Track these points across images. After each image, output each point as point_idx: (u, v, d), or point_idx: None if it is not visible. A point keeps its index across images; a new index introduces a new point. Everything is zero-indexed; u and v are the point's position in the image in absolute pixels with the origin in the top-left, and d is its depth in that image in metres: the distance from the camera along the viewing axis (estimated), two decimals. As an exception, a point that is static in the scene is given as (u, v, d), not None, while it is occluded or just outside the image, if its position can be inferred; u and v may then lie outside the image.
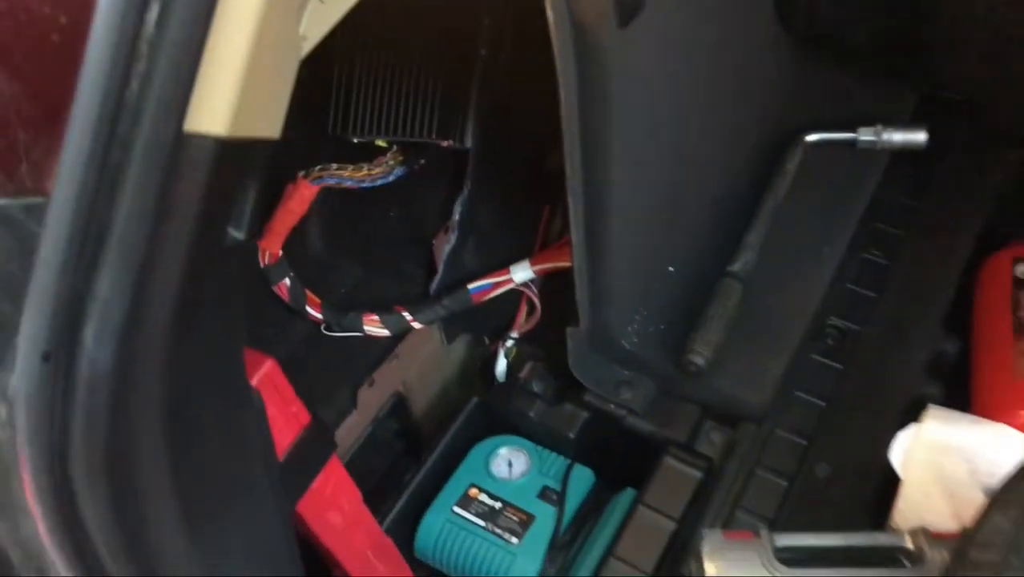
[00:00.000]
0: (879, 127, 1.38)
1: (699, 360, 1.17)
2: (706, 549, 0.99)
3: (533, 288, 1.33)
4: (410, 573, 1.22)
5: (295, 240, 1.23)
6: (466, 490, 1.27)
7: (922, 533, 0.97)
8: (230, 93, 0.55)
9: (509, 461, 1.30)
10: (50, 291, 0.54)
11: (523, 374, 1.33)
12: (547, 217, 1.38)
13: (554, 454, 1.31)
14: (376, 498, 1.20)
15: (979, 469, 1.06)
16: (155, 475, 0.60)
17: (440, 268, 1.31)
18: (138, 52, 0.52)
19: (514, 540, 1.22)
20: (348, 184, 1.22)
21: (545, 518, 1.23)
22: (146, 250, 0.55)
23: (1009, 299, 1.26)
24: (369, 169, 1.23)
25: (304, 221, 1.23)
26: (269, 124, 0.61)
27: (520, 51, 1.17)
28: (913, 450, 1.11)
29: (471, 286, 1.31)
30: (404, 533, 1.26)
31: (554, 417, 1.30)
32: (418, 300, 1.33)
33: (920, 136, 1.37)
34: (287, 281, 1.23)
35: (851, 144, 1.39)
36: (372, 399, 1.31)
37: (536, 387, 1.32)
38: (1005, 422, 1.10)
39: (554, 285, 1.33)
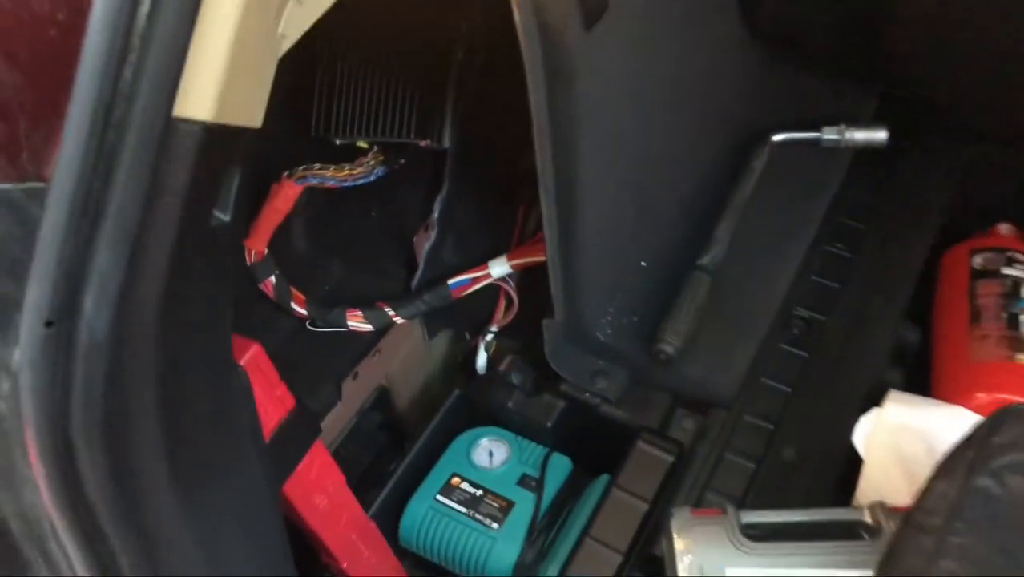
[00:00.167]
0: (842, 127, 1.42)
1: (669, 349, 1.20)
2: (675, 525, 1.02)
3: (511, 283, 1.36)
4: (394, 557, 1.26)
5: (280, 239, 1.25)
6: (448, 479, 1.29)
7: (880, 507, 1.00)
8: (214, 82, 0.59)
9: (490, 451, 1.32)
10: (52, 264, 0.58)
11: (502, 367, 1.36)
12: (523, 215, 1.41)
13: (533, 443, 1.33)
14: (361, 488, 1.22)
15: (936, 449, 1.06)
16: (148, 436, 0.64)
17: (420, 265, 1.33)
18: (131, 45, 0.57)
19: (495, 525, 1.24)
20: (331, 184, 1.24)
21: (524, 504, 1.26)
22: (139, 226, 0.59)
23: (967, 289, 1.29)
24: (351, 169, 1.24)
25: (289, 221, 1.25)
26: (250, 114, 0.66)
27: (494, 55, 1.19)
28: (875, 433, 1.14)
29: (451, 282, 1.33)
30: (389, 522, 1.28)
31: (532, 407, 1.32)
32: (400, 296, 1.34)
33: (881, 135, 1.42)
34: (273, 279, 1.25)
35: (815, 143, 1.43)
36: (356, 392, 1.33)
37: (515, 379, 1.34)
38: (961, 404, 1.14)
39: (531, 280, 1.35)
